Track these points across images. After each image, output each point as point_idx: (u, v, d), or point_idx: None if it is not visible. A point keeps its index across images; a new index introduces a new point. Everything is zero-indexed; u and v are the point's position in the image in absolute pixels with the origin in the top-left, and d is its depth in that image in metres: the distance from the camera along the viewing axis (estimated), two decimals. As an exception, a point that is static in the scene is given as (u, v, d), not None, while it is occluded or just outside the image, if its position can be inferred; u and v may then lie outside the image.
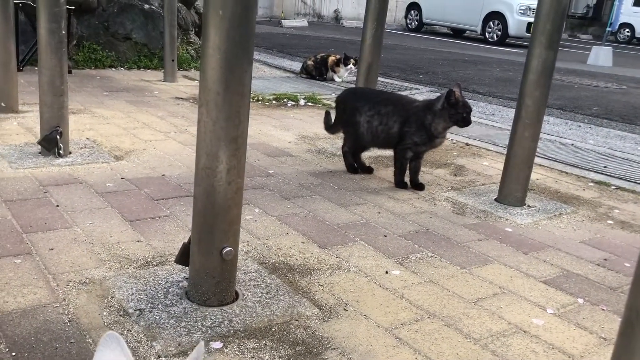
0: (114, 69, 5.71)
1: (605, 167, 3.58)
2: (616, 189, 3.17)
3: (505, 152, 2.86)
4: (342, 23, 17.28)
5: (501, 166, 2.82)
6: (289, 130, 3.88)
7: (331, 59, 6.32)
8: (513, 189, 2.73)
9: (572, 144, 4.19)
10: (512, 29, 13.79)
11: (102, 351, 0.78)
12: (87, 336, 1.45)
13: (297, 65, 7.06)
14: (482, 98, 6.21)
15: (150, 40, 5.92)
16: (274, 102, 4.81)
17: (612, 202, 2.94)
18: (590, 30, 22.01)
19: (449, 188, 2.94)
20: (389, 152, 3.01)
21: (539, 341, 1.62)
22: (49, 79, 2.71)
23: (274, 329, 1.55)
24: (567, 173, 3.41)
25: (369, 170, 3.09)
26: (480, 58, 10.43)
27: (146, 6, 5.87)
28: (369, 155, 3.32)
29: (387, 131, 2.83)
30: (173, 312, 1.57)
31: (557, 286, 1.96)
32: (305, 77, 6.43)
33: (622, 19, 19.18)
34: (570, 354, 1.57)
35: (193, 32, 6.41)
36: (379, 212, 2.51)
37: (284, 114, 4.40)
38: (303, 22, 15.56)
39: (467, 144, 3.91)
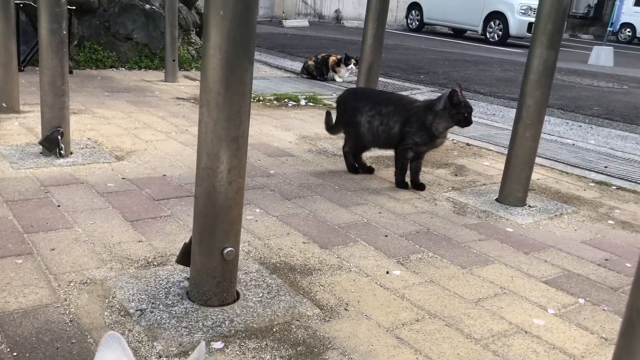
0: (115, 69, 5.72)
1: (606, 167, 3.58)
2: (617, 189, 3.17)
3: (506, 152, 2.86)
4: (343, 23, 17.28)
5: (502, 166, 2.82)
6: (290, 130, 3.88)
7: (332, 59, 6.32)
8: (514, 189, 2.73)
9: (573, 144, 4.19)
10: (513, 29, 13.78)
11: (104, 351, 0.78)
12: (89, 336, 1.45)
13: (298, 66, 7.06)
14: (483, 98, 6.21)
15: (151, 40, 5.92)
16: (274, 102, 4.81)
17: (613, 202, 2.94)
18: (591, 30, 21.98)
19: (450, 188, 2.94)
20: (390, 152, 3.02)
21: (540, 341, 1.62)
22: (50, 79, 2.72)
23: (275, 329, 1.55)
24: (568, 173, 3.41)
25: (369, 171, 3.09)
26: (481, 58, 10.43)
27: (147, 6, 5.87)
28: (369, 155, 3.32)
29: (388, 131, 2.83)
30: (174, 312, 1.58)
31: (558, 286, 1.96)
32: (306, 77, 6.42)
33: (623, 18, 19.13)
34: (571, 354, 1.57)
35: (194, 32, 6.41)
36: (380, 212, 2.51)
37: (285, 114, 4.40)
38: (304, 22, 15.56)
39: (468, 144, 3.91)
